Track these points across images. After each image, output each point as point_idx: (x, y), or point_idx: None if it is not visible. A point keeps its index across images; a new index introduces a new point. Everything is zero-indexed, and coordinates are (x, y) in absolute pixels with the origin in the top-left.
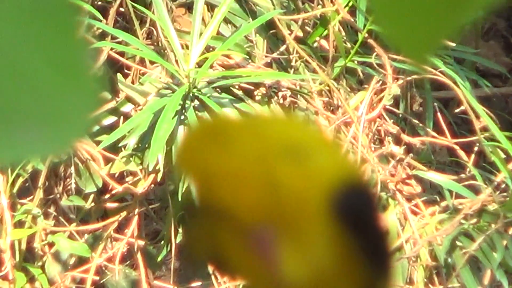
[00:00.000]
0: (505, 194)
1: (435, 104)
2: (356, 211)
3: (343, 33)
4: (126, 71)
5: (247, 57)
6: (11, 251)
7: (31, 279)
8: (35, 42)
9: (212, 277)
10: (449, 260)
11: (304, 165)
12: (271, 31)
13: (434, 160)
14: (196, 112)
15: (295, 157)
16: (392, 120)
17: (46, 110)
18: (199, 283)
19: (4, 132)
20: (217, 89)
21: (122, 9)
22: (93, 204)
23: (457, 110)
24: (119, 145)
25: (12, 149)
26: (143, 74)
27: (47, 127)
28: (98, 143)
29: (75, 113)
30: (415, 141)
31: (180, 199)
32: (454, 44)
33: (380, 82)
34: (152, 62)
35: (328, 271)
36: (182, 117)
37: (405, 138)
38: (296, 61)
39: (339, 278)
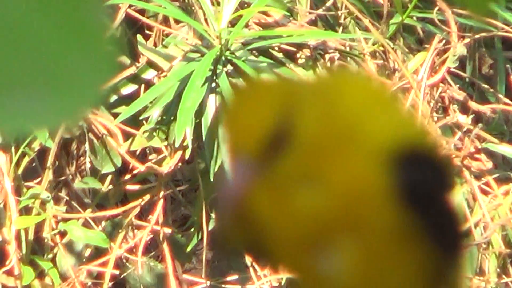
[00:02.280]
0: None
1: (508, 65)
2: (422, 185)
3: None
4: (147, 32)
5: (288, 14)
6: (17, 242)
7: (40, 274)
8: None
9: (251, 269)
10: None
11: (359, 140)
12: None
13: (507, 131)
14: (229, 78)
15: (347, 133)
16: (457, 85)
17: (55, 76)
18: (235, 277)
19: (7, 101)
20: (254, 52)
21: None
22: (111, 186)
23: None
24: (141, 118)
25: (16, 120)
26: (167, 35)
27: (56, 95)
28: (116, 115)
29: (88, 79)
30: (485, 109)
31: (212, 179)
32: None
33: (443, 41)
34: (177, 21)
35: (387, 260)
36: (213, 84)
37: (473, 105)
38: (345, 18)
39: (401, 266)
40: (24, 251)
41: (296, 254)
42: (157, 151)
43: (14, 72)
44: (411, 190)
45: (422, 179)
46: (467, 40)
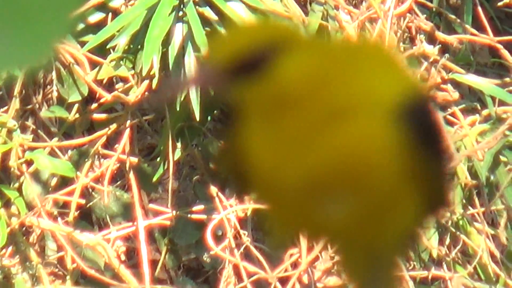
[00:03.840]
0: None
1: None
2: (423, 127)
3: None
4: None
5: None
6: None
7: (6, 203)
8: None
9: (216, 199)
10: (492, 177)
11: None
12: None
13: (473, 62)
14: (197, 7)
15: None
16: (424, 15)
17: (19, 7)
18: (201, 207)
19: None
20: None
21: None
22: (77, 115)
23: (500, 3)
24: (108, 46)
25: None
26: None
27: (22, 28)
28: (83, 44)
29: (54, 9)
30: (452, 39)
31: (178, 108)
32: None
33: None
34: None
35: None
36: (180, 13)
37: (440, 36)
38: None
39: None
40: None
41: (294, 198)
42: (124, 80)
43: None
44: (416, 138)
45: (424, 128)
46: None
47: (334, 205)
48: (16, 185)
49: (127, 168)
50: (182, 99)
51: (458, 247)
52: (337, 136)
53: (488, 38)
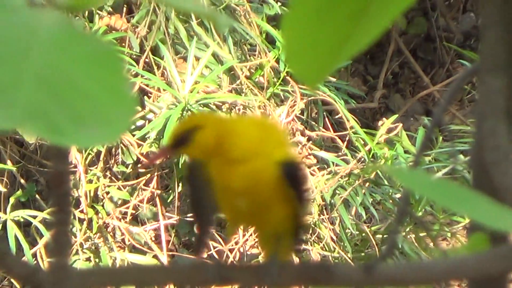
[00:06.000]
0: (363, 164)
1: (324, 113)
2: (294, 175)
3: (272, 73)
4: (149, 94)
5: (218, 87)
6: (85, 196)
7: (97, 213)
8: (100, 79)
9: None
10: (332, 201)
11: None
12: (231, 72)
13: (323, 145)
14: None
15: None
16: (299, 122)
17: (106, 117)
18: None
19: (82, 130)
20: (201, 105)
21: (147, 60)
22: (131, 170)
23: (336, 116)
24: (146, 136)
25: (87, 139)
26: (159, 96)
27: (106, 125)
28: (134, 135)
29: (122, 118)
30: (313, 134)
31: (180, 166)
32: (334, 79)
33: (293, 101)
34: (164, 90)
35: (273, 208)
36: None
37: (307, 132)
38: (246, 89)
39: (280, 212)
40: (88, 201)
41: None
42: (154, 153)
43: (89, 115)
44: (289, 177)
45: (295, 172)
46: (305, 100)
47: (242, 204)
48: (101, 203)
49: (155, 195)
50: (182, 162)
51: (315, 234)
52: (243, 171)
53: (331, 133)
